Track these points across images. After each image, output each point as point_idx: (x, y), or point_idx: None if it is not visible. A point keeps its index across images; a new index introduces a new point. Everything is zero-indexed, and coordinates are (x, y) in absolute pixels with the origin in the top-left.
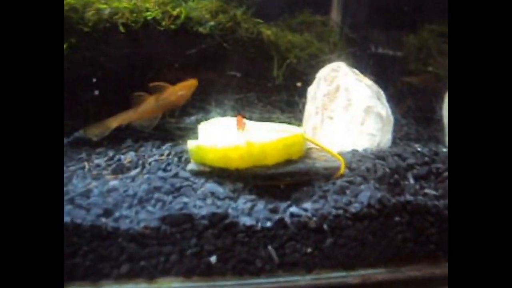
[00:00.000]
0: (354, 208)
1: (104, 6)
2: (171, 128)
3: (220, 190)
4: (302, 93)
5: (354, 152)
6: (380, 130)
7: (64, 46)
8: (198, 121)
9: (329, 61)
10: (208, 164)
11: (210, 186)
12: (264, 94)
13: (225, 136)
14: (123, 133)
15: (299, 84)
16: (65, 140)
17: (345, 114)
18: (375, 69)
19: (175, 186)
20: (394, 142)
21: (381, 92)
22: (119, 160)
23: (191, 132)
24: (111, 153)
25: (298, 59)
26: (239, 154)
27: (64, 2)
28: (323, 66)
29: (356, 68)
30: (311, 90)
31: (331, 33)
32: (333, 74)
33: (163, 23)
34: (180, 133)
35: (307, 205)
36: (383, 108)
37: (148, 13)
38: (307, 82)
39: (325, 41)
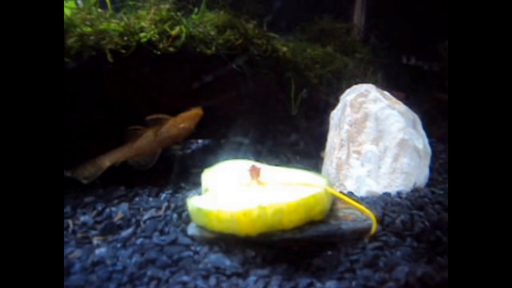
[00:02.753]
0: None
1: (89, 29)
2: (174, 160)
3: (226, 263)
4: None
5: (386, 197)
6: (416, 167)
7: None
8: (206, 147)
9: (355, 78)
10: (212, 229)
11: (215, 257)
12: (278, 127)
13: (234, 191)
14: (117, 173)
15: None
16: None
17: (375, 148)
18: (408, 84)
19: (173, 257)
20: (431, 178)
21: (417, 118)
22: (110, 216)
23: (196, 161)
24: (100, 206)
25: (319, 78)
26: (250, 220)
27: None
28: (348, 85)
29: (385, 82)
30: (334, 116)
31: (356, 43)
32: (361, 100)
33: (160, 46)
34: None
35: (332, 284)
36: (419, 139)
37: (142, 34)
38: (331, 105)
39: (349, 53)
